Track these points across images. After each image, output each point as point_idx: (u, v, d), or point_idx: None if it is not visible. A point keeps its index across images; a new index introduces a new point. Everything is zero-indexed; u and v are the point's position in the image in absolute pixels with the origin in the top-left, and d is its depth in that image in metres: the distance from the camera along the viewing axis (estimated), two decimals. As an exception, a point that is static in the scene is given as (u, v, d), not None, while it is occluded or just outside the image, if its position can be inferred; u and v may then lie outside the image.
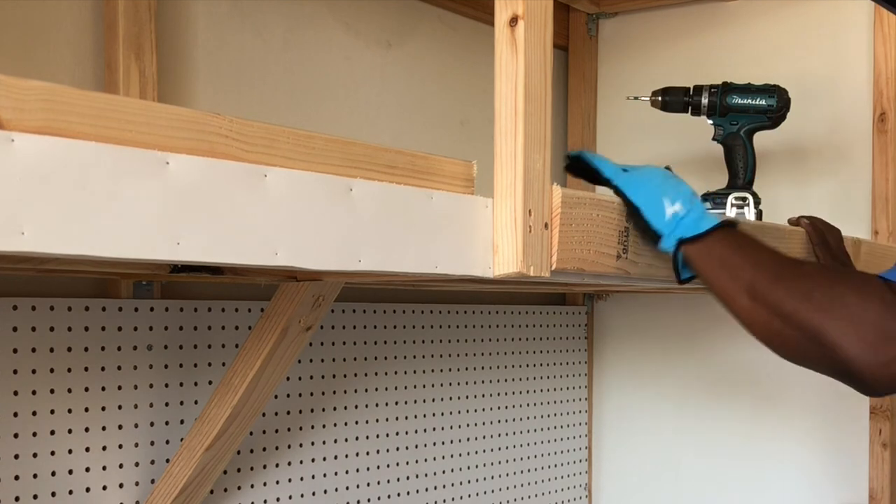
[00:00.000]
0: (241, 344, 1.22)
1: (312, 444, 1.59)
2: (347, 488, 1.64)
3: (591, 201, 1.00)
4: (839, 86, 1.88)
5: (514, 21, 0.90)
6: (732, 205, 1.59)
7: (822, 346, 0.89)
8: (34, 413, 1.26)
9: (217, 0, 1.50)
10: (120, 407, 1.34)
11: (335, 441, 1.62)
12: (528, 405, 1.99)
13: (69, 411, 1.29)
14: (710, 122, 1.65)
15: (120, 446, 1.35)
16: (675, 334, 2.07)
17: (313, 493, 1.59)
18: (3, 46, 1.25)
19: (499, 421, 1.93)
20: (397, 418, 1.72)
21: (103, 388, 1.33)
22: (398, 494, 1.73)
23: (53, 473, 1.28)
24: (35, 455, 1.26)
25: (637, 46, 2.13)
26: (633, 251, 1.06)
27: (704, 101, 1.63)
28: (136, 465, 1.37)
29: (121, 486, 1.35)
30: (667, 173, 1.07)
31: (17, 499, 1.24)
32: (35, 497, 1.26)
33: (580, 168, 1.10)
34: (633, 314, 2.13)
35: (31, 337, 1.25)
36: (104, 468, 1.33)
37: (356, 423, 1.65)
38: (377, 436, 1.69)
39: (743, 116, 1.62)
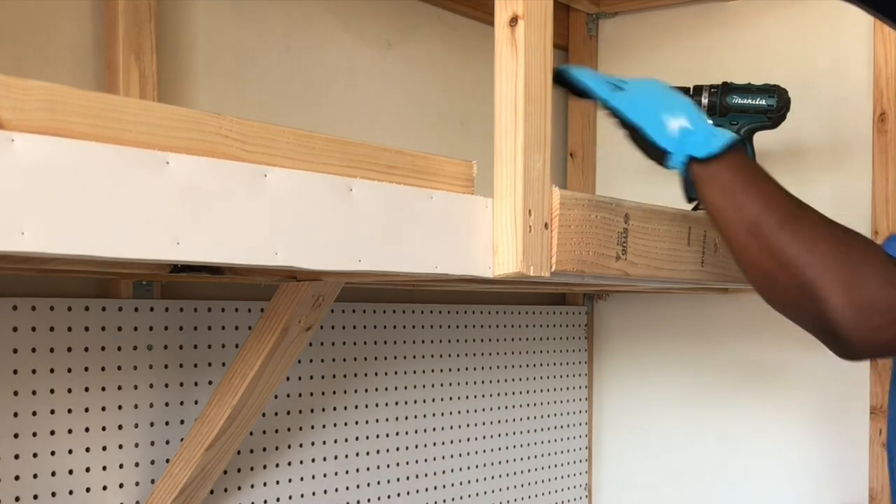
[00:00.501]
0: (241, 344, 1.22)
1: (312, 444, 1.59)
2: (347, 488, 1.64)
3: (590, 203, 1.00)
4: (839, 86, 1.88)
5: (514, 21, 0.91)
6: None
7: (812, 300, 0.88)
8: (34, 413, 1.26)
9: (217, 0, 1.50)
10: (120, 407, 1.34)
11: (335, 441, 1.62)
12: (528, 405, 1.99)
13: (69, 411, 1.29)
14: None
15: (120, 446, 1.35)
16: (676, 334, 2.07)
17: (313, 493, 1.59)
18: (3, 46, 1.25)
19: (499, 421, 1.93)
20: (397, 418, 1.72)
21: (103, 388, 1.33)
22: (398, 494, 1.73)
23: (53, 473, 1.28)
24: (35, 455, 1.26)
25: (637, 46, 2.13)
26: (632, 252, 1.06)
27: (704, 101, 1.63)
28: (136, 465, 1.37)
29: (121, 486, 1.35)
30: (665, 86, 1.03)
31: (17, 499, 1.24)
32: (35, 497, 1.26)
33: (566, 83, 1.05)
34: (633, 314, 2.13)
35: (31, 337, 1.25)
36: (104, 468, 1.33)
37: (356, 423, 1.65)
38: (377, 436, 1.69)
39: (743, 116, 1.61)
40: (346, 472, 1.64)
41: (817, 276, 0.88)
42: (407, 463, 1.74)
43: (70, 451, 1.29)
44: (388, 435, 1.71)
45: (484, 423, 1.90)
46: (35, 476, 1.26)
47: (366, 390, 1.67)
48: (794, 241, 0.90)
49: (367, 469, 1.67)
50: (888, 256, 0.90)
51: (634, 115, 1.00)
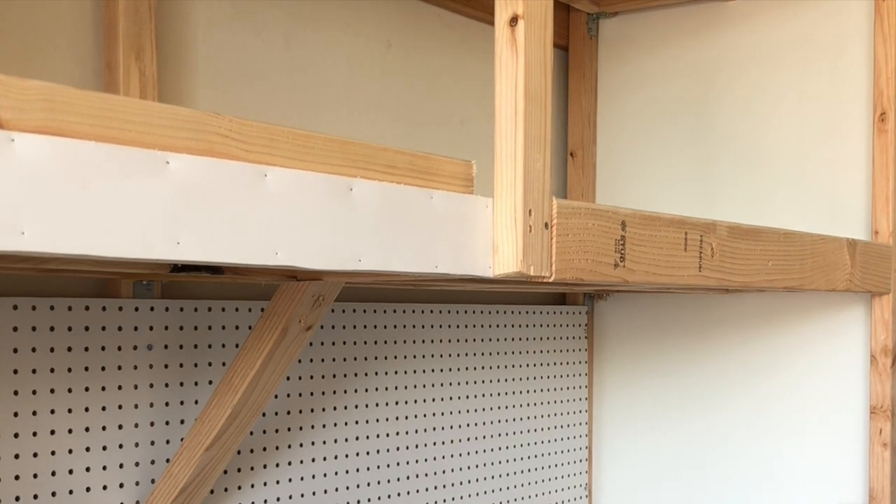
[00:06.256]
0: (241, 344, 1.22)
1: (312, 444, 1.59)
2: (347, 488, 1.64)
3: (587, 211, 1.00)
4: (839, 85, 1.88)
5: (514, 21, 0.91)
6: None
7: None
8: (34, 413, 1.26)
9: (217, 0, 1.50)
10: (120, 407, 1.35)
11: (335, 441, 1.62)
12: (528, 405, 1.99)
13: (69, 411, 1.29)
14: None
15: (120, 446, 1.35)
16: (676, 334, 2.07)
17: (313, 493, 1.59)
18: (3, 46, 1.25)
19: (499, 421, 1.93)
20: (397, 418, 1.72)
21: (103, 388, 1.33)
22: (398, 494, 1.73)
23: (53, 473, 1.28)
24: (35, 455, 1.26)
25: (637, 46, 2.13)
26: (630, 259, 1.06)
27: None
28: (136, 465, 1.37)
29: (121, 486, 1.35)
30: None
31: (17, 498, 1.24)
32: (35, 497, 1.26)
33: None
34: (634, 314, 2.13)
35: (32, 337, 1.26)
36: (104, 468, 1.33)
37: (356, 423, 1.65)
38: (377, 436, 1.69)
39: None
40: (346, 472, 1.64)
41: None
42: (407, 463, 1.74)
43: (70, 451, 1.29)
44: (388, 435, 1.71)
45: (484, 424, 1.90)
46: (35, 476, 1.26)
47: (366, 390, 1.67)
48: None
49: (367, 469, 1.67)
50: None
51: None
